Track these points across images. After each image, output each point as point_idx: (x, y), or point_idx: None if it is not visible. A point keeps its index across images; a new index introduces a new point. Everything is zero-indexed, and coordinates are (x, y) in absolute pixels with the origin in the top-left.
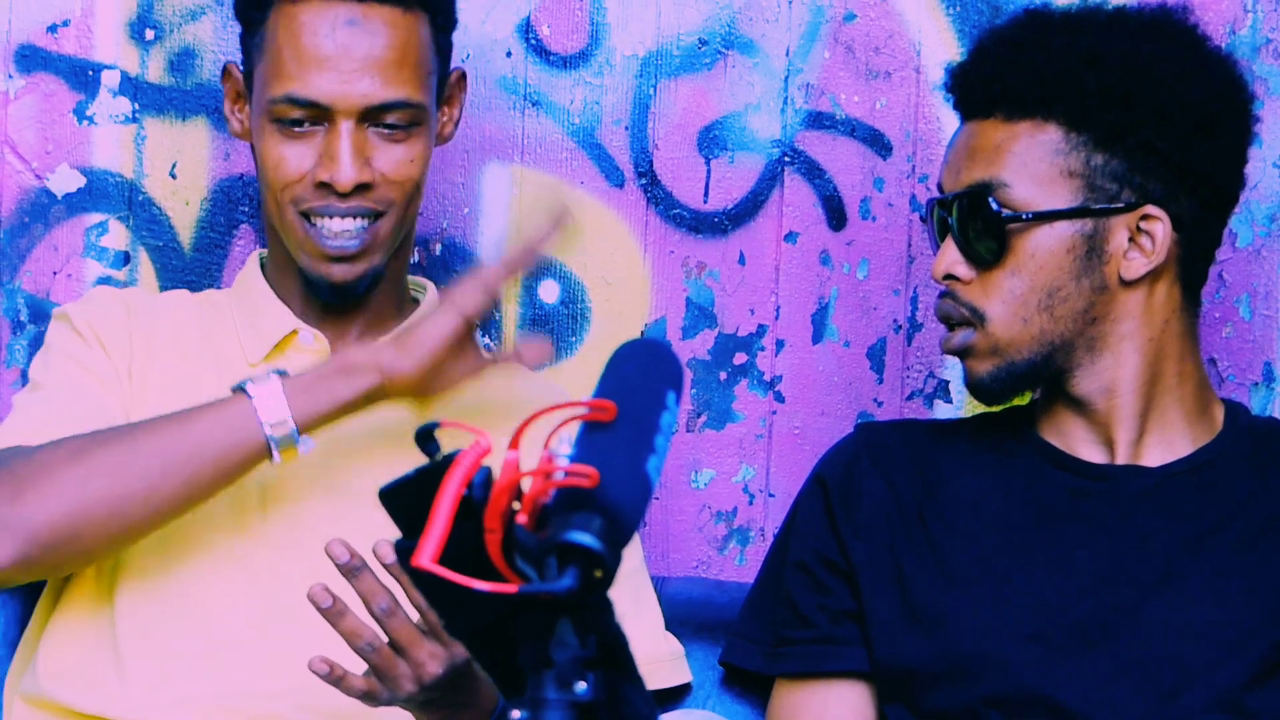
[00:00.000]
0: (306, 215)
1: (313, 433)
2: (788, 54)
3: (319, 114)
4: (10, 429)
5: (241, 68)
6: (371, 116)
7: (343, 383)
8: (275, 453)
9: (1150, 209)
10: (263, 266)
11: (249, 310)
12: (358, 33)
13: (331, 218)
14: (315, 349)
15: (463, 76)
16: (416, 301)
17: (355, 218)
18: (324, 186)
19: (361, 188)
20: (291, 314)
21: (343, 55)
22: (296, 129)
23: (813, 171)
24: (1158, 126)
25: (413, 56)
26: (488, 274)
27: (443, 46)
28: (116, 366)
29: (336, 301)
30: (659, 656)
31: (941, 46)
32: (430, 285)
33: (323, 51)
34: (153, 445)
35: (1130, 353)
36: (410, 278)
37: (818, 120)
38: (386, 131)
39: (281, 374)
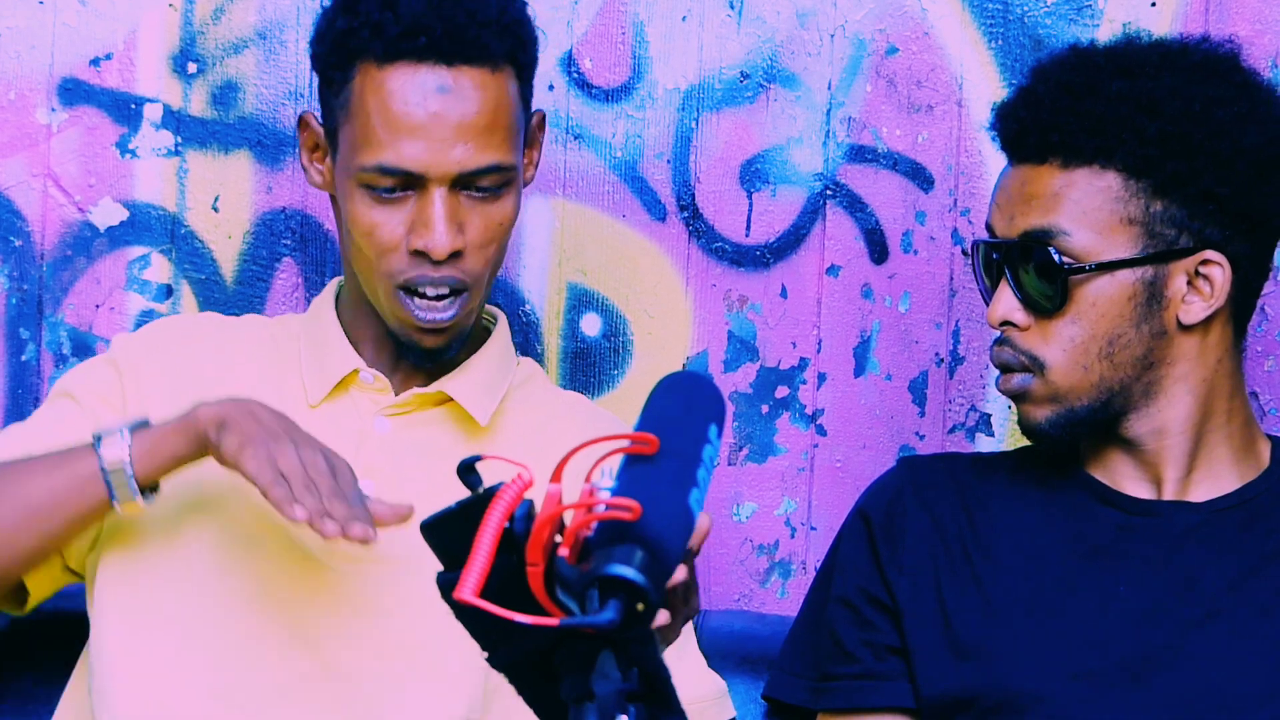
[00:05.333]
0: (400, 288)
1: (159, 481)
2: (830, 87)
3: (410, 181)
4: None
5: (320, 119)
6: (464, 182)
7: (182, 439)
8: (117, 504)
9: (1209, 253)
10: (337, 299)
11: (315, 348)
12: (449, 99)
13: (425, 289)
14: (375, 387)
15: (543, 119)
16: (487, 330)
17: (447, 291)
18: (418, 254)
19: (454, 255)
20: (354, 354)
21: (435, 123)
22: (387, 195)
23: (854, 205)
24: (1218, 174)
25: (504, 118)
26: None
27: (527, 96)
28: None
29: (426, 365)
30: (705, 697)
31: (984, 80)
32: (501, 316)
33: (414, 120)
34: (13, 491)
35: (1184, 395)
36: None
37: (859, 154)
38: (478, 195)
39: (140, 425)
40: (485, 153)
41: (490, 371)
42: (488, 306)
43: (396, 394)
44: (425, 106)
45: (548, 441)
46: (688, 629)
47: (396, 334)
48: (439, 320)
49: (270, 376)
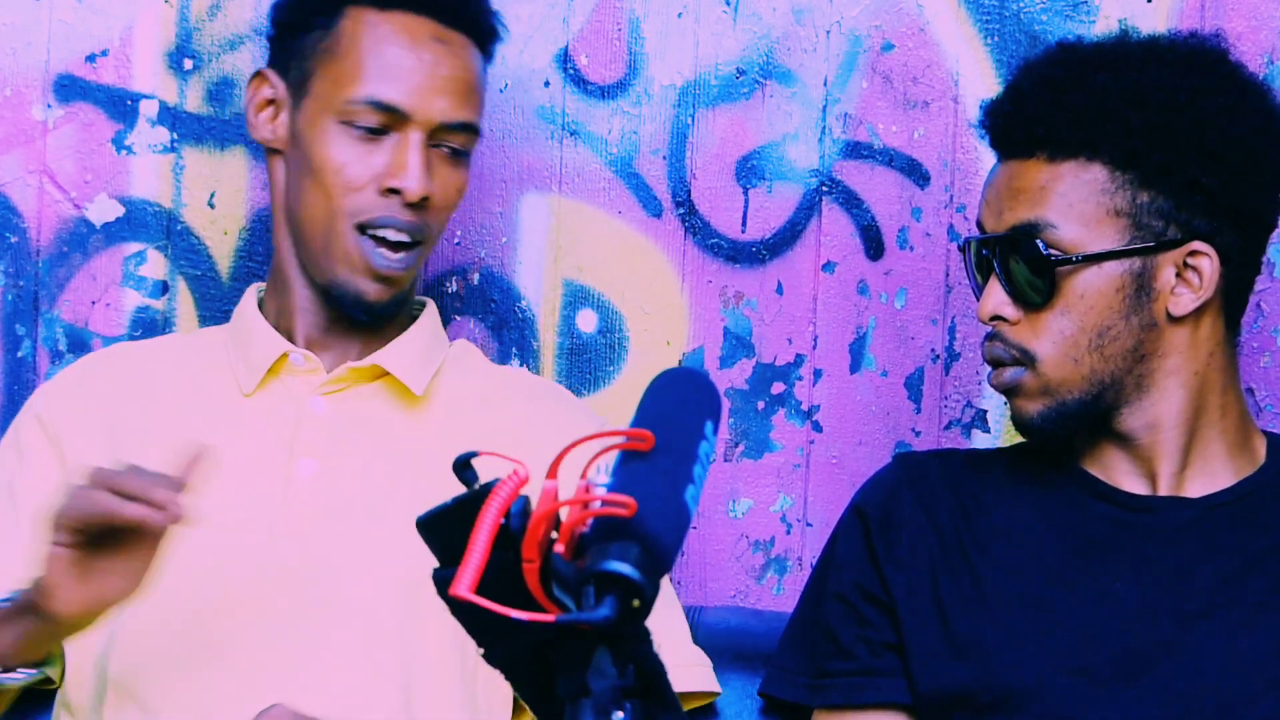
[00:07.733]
0: (361, 228)
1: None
2: (825, 84)
3: (394, 121)
4: None
5: (280, 74)
6: (439, 134)
7: (19, 624)
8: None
9: (1197, 244)
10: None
11: (241, 342)
12: (442, 50)
13: (388, 233)
14: (307, 368)
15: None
16: (413, 317)
17: (408, 242)
18: (389, 195)
19: (423, 201)
20: (281, 339)
21: (428, 68)
22: (367, 134)
23: (850, 201)
24: (1204, 164)
25: (478, 87)
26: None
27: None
28: (74, 463)
29: (362, 318)
30: (684, 662)
31: (979, 76)
32: (430, 302)
33: (409, 61)
34: None
35: (1175, 388)
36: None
37: (855, 150)
38: (446, 153)
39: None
40: (464, 110)
41: (422, 345)
42: (420, 296)
43: (329, 372)
44: (420, 51)
45: (488, 411)
46: (676, 605)
47: (338, 289)
48: (394, 269)
49: (198, 380)
